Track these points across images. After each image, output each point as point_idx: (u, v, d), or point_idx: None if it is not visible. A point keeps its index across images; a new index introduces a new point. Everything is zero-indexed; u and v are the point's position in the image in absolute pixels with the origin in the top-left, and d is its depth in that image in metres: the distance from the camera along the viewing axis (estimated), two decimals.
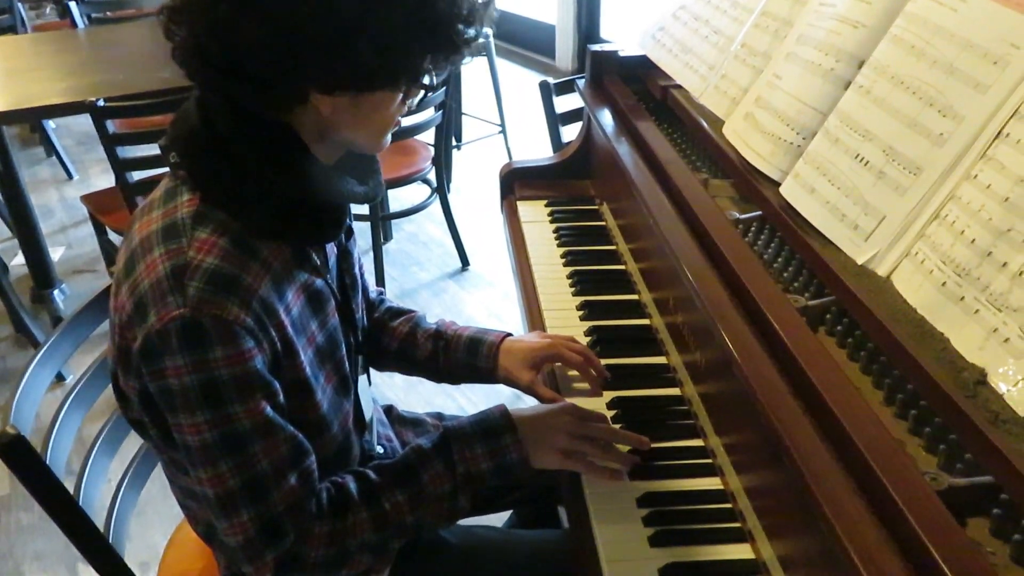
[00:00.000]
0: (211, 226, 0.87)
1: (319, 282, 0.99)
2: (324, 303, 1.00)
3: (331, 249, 1.05)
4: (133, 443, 1.25)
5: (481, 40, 0.92)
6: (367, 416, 1.14)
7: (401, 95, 0.92)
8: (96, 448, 1.17)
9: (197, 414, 0.84)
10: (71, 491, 1.05)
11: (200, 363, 0.83)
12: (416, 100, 0.97)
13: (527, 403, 1.17)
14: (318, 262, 0.99)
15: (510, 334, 1.23)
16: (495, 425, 1.02)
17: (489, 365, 1.20)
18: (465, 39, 0.89)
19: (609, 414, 1.16)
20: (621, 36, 5.28)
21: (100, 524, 1.10)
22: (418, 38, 0.85)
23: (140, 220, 0.91)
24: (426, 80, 0.91)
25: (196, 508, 1.03)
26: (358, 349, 1.12)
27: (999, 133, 0.87)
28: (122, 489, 1.21)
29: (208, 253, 0.85)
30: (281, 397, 0.90)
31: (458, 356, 1.22)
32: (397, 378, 2.60)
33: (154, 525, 2.05)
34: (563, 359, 1.20)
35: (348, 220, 1.03)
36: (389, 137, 0.98)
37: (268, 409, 0.88)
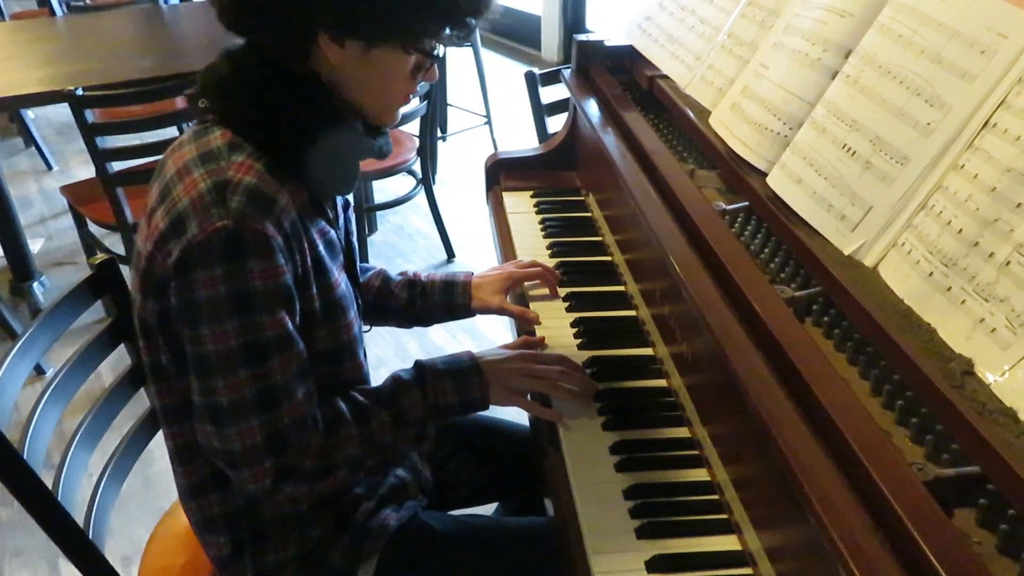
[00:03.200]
0: (245, 153, 0.93)
1: (333, 233, 1.05)
2: (336, 255, 1.05)
3: (340, 211, 1.12)
4: (114, 437, 1.24)
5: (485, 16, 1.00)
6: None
7: (410, 69, 0.98)
8: (76, 442, 1.15)
9: (225, 322, 0.89)
10: (50, 486, 1.04)
11: (236, 273, 0.88)
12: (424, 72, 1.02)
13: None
14: (331, 215, 1.05)
15: (472, 273, 1.39)
16: (464, 366, 1.11)
17: (465, 301, 1.36)
18: (470, 5, 0.94)
19: (596, 405, 1.16)
20: (607, 27, 5.27)
21: (80, 519, 1.08)
22: None
23: (172, 157, 0.97)
24: (432, 49, 0.98)
25: (196, 457, 1.03)
26: (360, 312, 1.16)
27: (986, 123, 0.87)
28: (103, 483, 1.19)
29: (247, 173, 0.91)
30: (298, 317, 0.96)
31: (435, 299, 1.36)
32: (382, 369, 2.58)
33: (136, 519, 2.03)
34: (523, 277, 1.39)
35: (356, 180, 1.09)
36: (399, 114, 1.06)
37: (289, 323, 0.94)
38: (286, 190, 0.93)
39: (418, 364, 1.10)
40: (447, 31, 0.97)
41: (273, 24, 0.93)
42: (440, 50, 1.00)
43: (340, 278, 1.04)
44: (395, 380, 1.08)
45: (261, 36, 0.95)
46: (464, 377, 1.09)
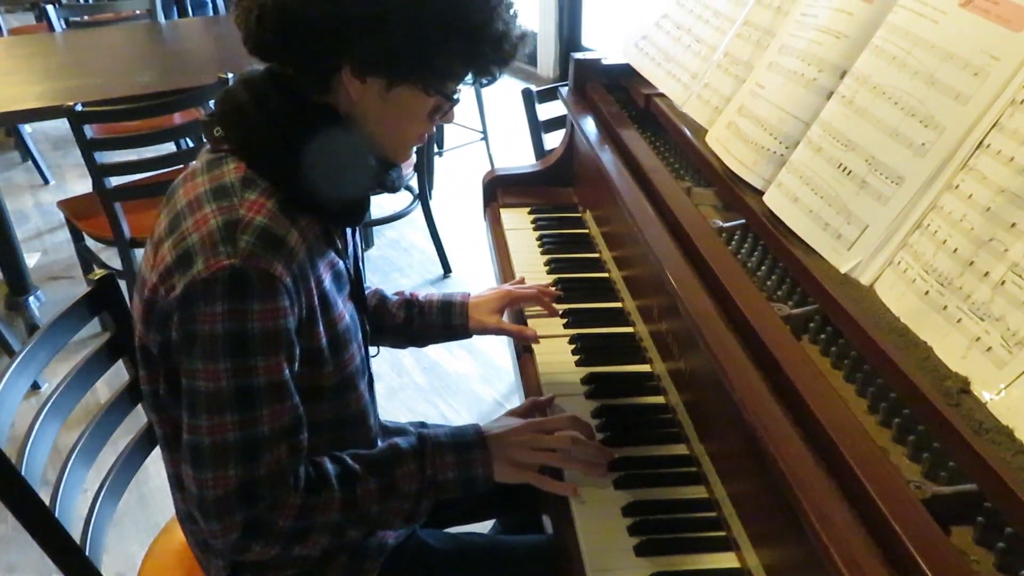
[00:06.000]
0: (259, 190, 0.92)
1: (341, 264, 1.04)
2: (343, 286, 1.05)
3: (348, 238, 1.11)
4: (111, 453, 1.23)
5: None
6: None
7: (429, 110, 0.98)
8: (73, 458, 1.15)
9: (219, 361, 0.87)
10: (47, 502, 1.03)
11: (237, 312, 0.87)
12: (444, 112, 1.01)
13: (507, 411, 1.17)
14: (340, 245, 1.05)
15: (469, 293, 1.39)
16: (468, 439, 1.06)
17: (463, 322, 1.36)
18: (496, 52, 0.94)
19: (593, 423, 1.16)
20: (603, 44, 5.30)
21: (76, 535, 1.08)
22: (447, 37, 0.91)
23: (183, 187, 0.96)
24: (453, 93, 0.98)
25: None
26: (367, 338, 1.15)
27: (980, 143, 0.88)
28: (99, 499, 1.19)
29: (258, 212, 0.90)
30: (296, 365, 0.94)
31: (432, 319, 1.36)
32: (379, 386, 2.58)
33: (132, 536, 2.02)
34: (520, 298, 1.40)
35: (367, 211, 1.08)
36: (413, 152, 1.06)
37: (285, 371, 0.92)
38: (297, 227, 0.92)
39: (420, 434, 1.06)
40: (470, 76, 0.97)
41: (300, 53, 0.92)
42: (460, 94, 1.00)
43: (345, 310, 1.03)
44: (392, 447, 1.04)
45: (285, 64, 0.95)
46: (467, 451, 1.04)
